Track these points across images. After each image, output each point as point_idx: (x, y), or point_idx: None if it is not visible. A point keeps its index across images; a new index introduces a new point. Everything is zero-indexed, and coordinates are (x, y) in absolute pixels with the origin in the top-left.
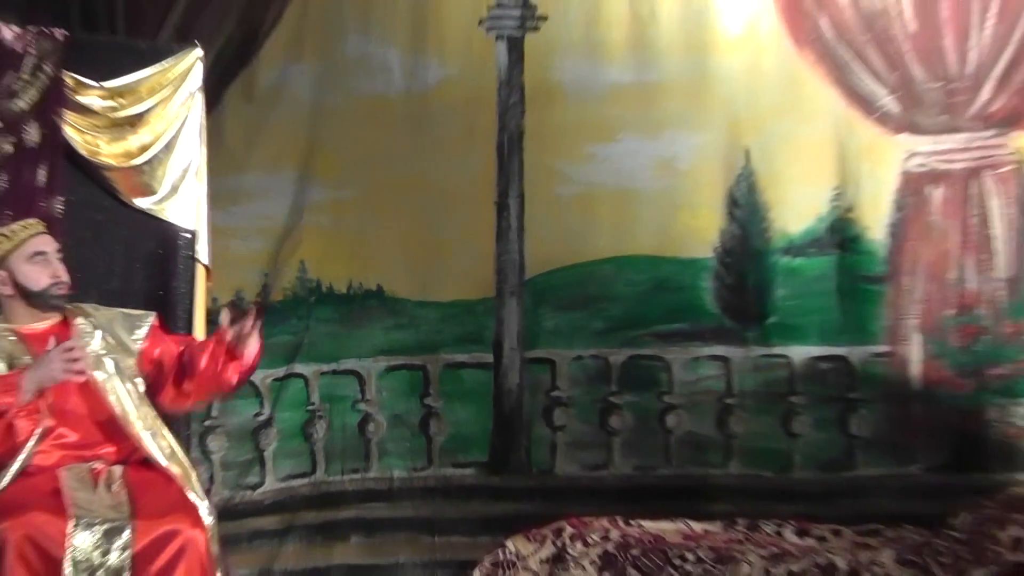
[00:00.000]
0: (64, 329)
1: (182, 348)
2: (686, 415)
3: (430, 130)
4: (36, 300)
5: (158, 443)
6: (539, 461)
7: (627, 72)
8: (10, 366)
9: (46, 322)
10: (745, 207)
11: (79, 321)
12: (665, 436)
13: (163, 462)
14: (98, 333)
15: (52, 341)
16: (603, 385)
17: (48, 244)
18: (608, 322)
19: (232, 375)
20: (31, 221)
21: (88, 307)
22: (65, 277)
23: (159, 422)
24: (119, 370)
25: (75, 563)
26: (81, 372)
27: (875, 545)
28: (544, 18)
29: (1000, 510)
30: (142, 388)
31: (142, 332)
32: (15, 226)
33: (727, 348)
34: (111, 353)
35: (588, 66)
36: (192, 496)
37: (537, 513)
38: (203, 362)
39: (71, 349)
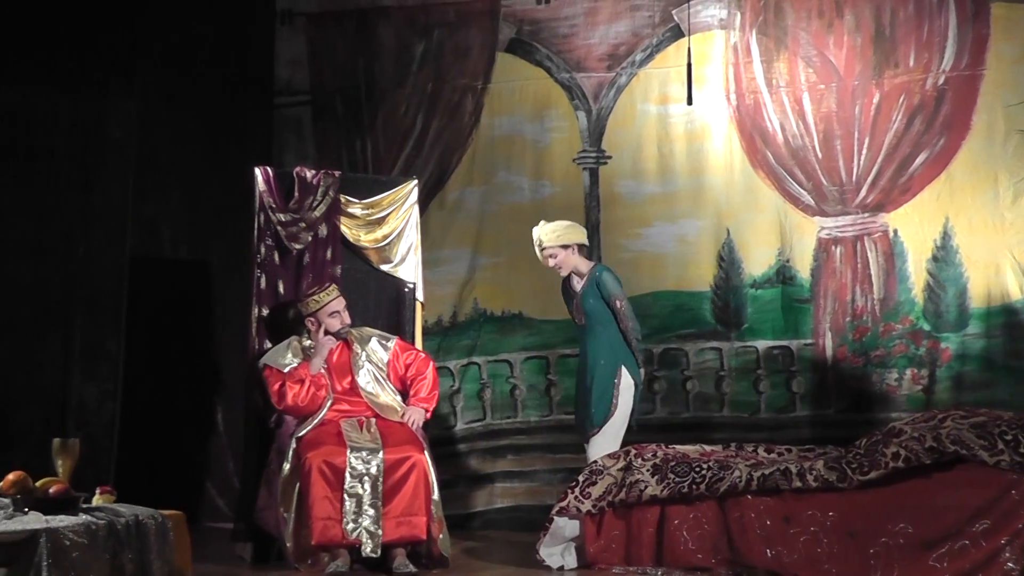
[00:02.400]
0: (344, 344)
1: (407, 367)
2: (697, 382)
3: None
4: (333, 335)
5: (394, 407)
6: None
7: (657, 186)
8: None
9: (334, 341)
10: (727, 261)
11: (352, 340)
12: (686, 394)
13: (396, 417)
14: (363, 351)
15: (324, 341)
16: (649, 365)
17: (339, 304)
18: (650, 329)
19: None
20: (332, 288)
21: (356, 330)
22: (348, 322)
23: (396, 396)
24: (373, 369)
25: (351, 472)
26: (333, 344)
27: (811, 457)
28: (610, 157)
29: (884, 436)
30: (384, 380)
31: (389, 347)
32: (322, 294)
33: (720, 343)
34: (369, 359)
35: (635, 184)
36: (417, 435)
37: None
38: (410, 395)
39: (327, 342)
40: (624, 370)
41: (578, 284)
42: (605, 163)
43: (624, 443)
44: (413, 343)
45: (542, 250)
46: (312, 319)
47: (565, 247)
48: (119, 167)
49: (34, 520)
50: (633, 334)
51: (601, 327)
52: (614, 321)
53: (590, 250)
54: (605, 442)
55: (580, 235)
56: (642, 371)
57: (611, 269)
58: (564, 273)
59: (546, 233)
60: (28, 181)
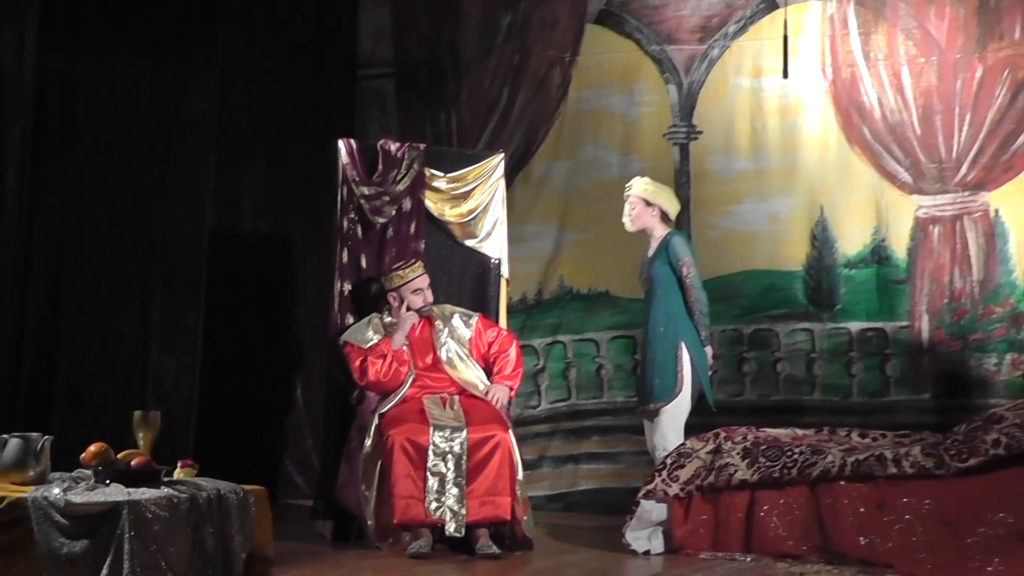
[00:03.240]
0: (426, 320)
1: (490, 344)
2: (788, 364)
3: None
4: (415, 312)
5: (477, 384)
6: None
7: (749, 163)
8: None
9: (416, 316)
10: (820, 240)
11: (434, 316)
12: (776, 376)
13: (478, 393)
14: (446, 328)
15: (407, 316)
16: (739, 346)
17: (423, 281)
18: (740, 310)
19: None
20: (417, 264)
21: (438, 307)
22: (431, 300)
23: (479, 373)
24: (455, 346)
25: (434, 450)
26: (415, 320)
27: (907, 443)
28: (700, 132)
29: (984, 422)
30: (467, 356)
31: (471, 324)
32: (408, 270)
33: (812, 324)
34: (451, 335)
35: (726, 160)
36: (502, 413)
37: (702, 423)
38: (494, 373)
39: (409, 316)
40: (684, 345)
41: (651, 249)
42: (696, 138)
43: (711, 426)
44: (497, 320)
45: (627, 196)
46: (395, 294)
47: (648, 204)
48: (199, 139)
49: (116, 492)
50: (698, 306)
51: (663, 292)
52: (679, 290)
53: (678, 227)
54: (670, 423)
55: (668, 201)
56: (708, 350)
57: (684, 234)
58: (633, 228)
59: (639, 182)
60: (108, 154)
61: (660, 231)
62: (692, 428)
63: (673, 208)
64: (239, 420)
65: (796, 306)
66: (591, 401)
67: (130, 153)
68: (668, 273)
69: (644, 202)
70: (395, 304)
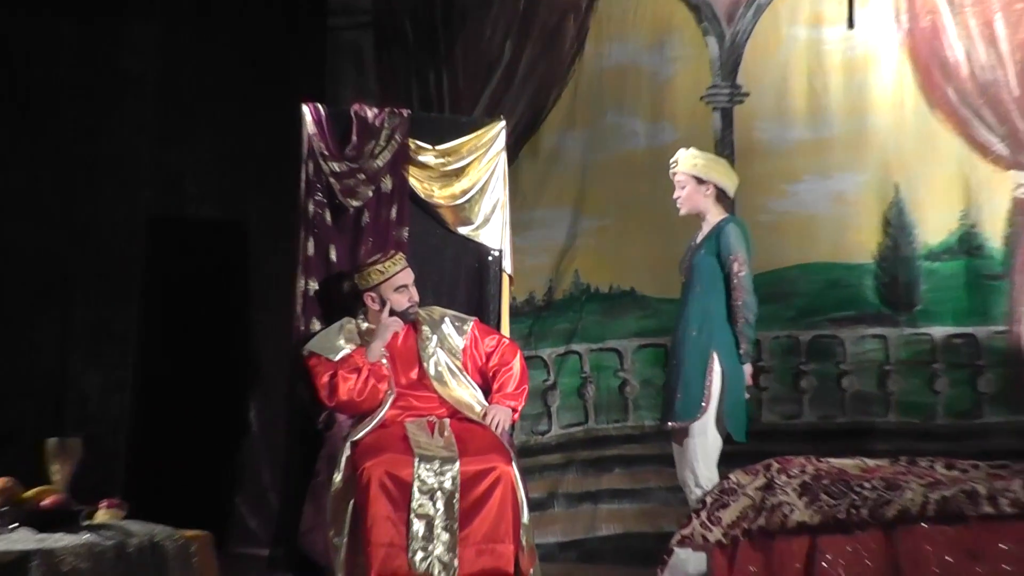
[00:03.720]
0: (409, 328)
1: (488, 355)
2: (856, 378)
3: (665, 176)
4: (399, 315)
5: (472, 404)
6: (749, 413)
7: (807, 131)
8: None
9: (400, 323)
10: (896, 226)
11: (421, 322)
12: (841, 393)
13: (475, 417)
14: (434, 335)
15: (389, 321)
16: (794, 357)
17: (407, 276)
18: (796, 311)
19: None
20: (398, 257)
21: (425, 310)
22: (417, 299)
23: (475, 391)
24: (446, 358)
25: (420, 487)
26: (398, 326)
27: (1006, 476)
28: (747, 94)
29: None
30: (460, 371)
31: (466, 330)
32: (387, 263)
33: (885, 328)
34: (441, 345)
35: (779, 128)
36: (503, 440)
37: (748, 451)
38: (493, 391)
39: (392, 323)
40: (716, 356)
41: (700, 235)
42: (741, 101)
43: (761, 455)
44: (498, 326)
45: (674, 174)
46: (372, 294)
47: (700, 182)
48: (135, 106)
49: (24, 539)
50: (744, 312)
51: (703, 289)
52: (723, 289)
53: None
54: (699, 448)
55: (725, 175)
56: (747, 368)
57: (743, 224)
58: (683, 211)
59: (686, 156)
60: (23, 124)
61: (714, 215)
62: (737, 457)
63: (731, 183)
64: (180, 449)
65: (866, 307)
66: (613, 425)
67: (49, 122)
68: (714, 266)
69: (695, 180)
70: (373, 306)
